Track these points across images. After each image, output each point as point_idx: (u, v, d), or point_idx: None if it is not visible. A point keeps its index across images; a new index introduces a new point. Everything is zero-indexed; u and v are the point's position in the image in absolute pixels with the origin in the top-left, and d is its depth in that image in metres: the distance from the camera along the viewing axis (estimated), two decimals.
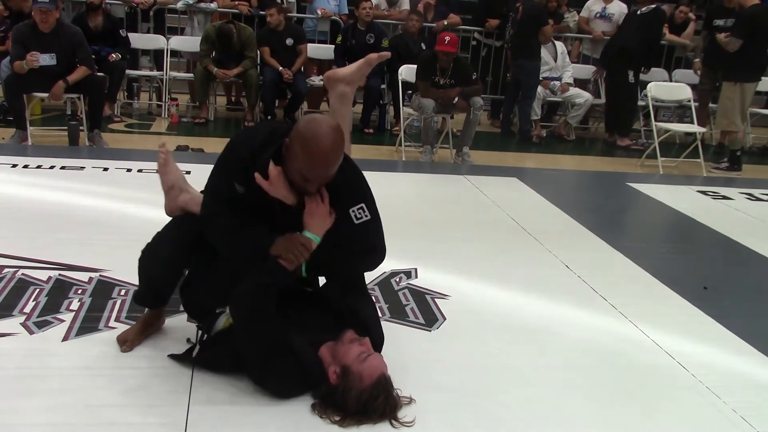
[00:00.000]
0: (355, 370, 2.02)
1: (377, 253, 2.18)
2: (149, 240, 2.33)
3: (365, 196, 2.11)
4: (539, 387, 2.40)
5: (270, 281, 2.05)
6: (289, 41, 6.79)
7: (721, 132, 7.35)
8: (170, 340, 2.46)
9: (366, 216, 2.08)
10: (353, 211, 2.08)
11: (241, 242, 2.08)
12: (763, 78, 6.80)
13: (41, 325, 2.50)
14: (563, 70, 7.46)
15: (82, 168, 4.68)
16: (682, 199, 5.33)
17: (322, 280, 2.35)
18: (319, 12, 7.40)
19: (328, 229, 2.08)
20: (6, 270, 2.91)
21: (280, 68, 6.64)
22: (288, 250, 2.04)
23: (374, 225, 2.11)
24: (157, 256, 2.29)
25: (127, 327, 2.49)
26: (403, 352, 2.49)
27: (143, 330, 2.45)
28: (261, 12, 7.11)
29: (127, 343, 2.38)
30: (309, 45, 7.32)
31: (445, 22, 7.58)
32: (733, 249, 4.23)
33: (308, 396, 2.18)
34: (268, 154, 2.01)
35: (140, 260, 2.35)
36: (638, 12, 7.17)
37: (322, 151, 1.94)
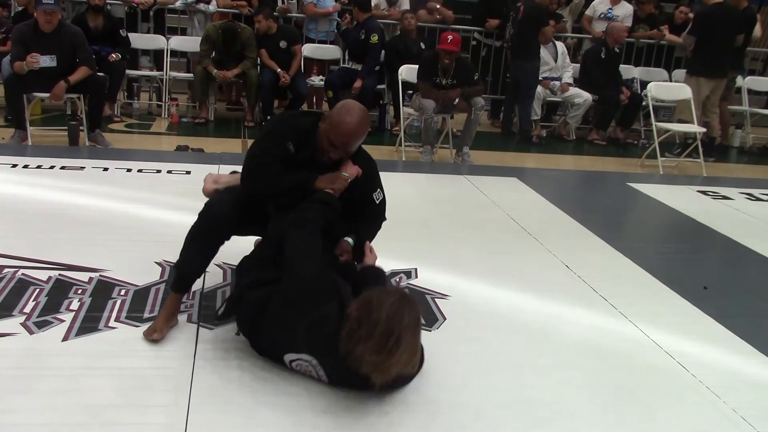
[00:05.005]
0: (368, 294, 2.11)
1: (384, 219, 2.79)
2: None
3: (380, 183, 2.74)
4: (539, 387, 2.40)
5: (322, 199, 2.47)
6: (283, 44, 6.77)
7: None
8: (171, 340, 2.47)
9: (382, 196, 2.73)
10: (375, 195, 2.69)
11: (289, 180, 2.52)
12: (763, 78, 6.86)
13: (41, 325, 2.50)
14: (563, 70, 7.47)
15: (82, 168, 4.68)
16: (682, 199, 5.33)
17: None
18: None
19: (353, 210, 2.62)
20: (6, 270, 2.91)
21: (279, 70, 6.64)
22: (332, 181, 2.52)
23: (384, 202, 2.76)
24: (220, 206, 2.50)
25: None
26: None
27: (168, 319, 2.53)
28: None
29: (156, 332, 2.46)
30: (309, 45, 7.34)
31: (437, 6, 7.58)
32: (733, 249, 4.23)
33: (308, 397, 2.19)
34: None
35: (198, 221, 2.51)
36: None
37: (349, 121, 2.46)
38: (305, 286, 2.21)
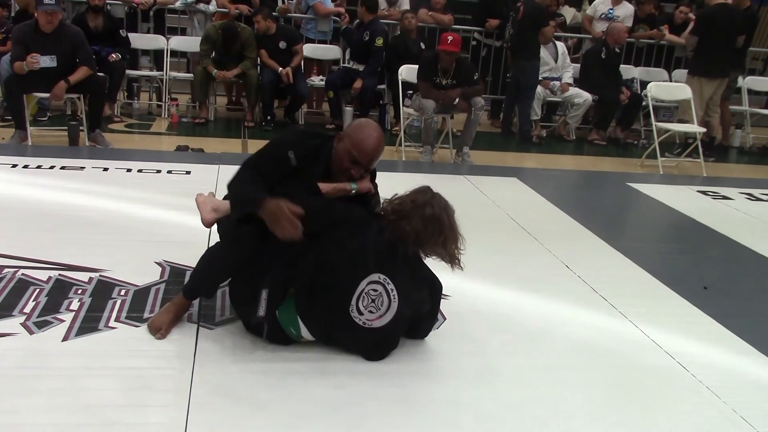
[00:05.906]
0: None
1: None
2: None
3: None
4: (539, 387, 2.40)
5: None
6: (282, 44, 6.76)
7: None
8: (171, 340, 2.47)
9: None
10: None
11: (245, 193, 2.43)
12: (763, 78, 6.89)
13: (41, 325, 2.50)
14: (563, 71, 7.47)
15: (82, 168, 4.68)
16: (682, 199, 5.33)
17: None
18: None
19: None
20: (6, 270, 2.91)
21: (279, 69, 6.64)
22: (336, 189, 2.51)
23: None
24: (251, 241, 2.40)
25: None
26: (404, 352, 2.50)
27: (175, 319, 2.54)
28: None
29: (161, 330, 2.47)
30: (309, 45, 7.33)
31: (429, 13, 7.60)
32: (733, 249, 4.23)
33: (308, 396, 2.19)
34: (326, 150, 2.55)
35: (229, 253, 2.47)
36: None
37: (373, 136, 2.50)
38: (323, 208, 2.39)
